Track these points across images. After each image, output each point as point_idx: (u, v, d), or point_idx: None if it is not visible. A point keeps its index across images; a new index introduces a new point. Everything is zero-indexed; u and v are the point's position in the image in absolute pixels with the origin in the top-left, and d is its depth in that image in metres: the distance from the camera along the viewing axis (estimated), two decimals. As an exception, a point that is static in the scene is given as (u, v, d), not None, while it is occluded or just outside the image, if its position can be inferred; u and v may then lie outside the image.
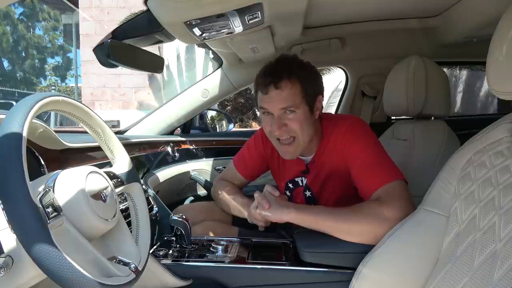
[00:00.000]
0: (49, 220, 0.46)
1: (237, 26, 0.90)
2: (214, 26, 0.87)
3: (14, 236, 0.46)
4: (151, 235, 0.74)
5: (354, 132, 0.90)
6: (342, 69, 1.78)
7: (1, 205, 0.46)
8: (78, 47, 8.10)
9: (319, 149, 0.97)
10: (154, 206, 1.01)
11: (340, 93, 1.85)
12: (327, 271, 0.79)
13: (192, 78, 6.32)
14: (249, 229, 1.14)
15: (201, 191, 1.65)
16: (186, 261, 0.84)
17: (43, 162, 0.75)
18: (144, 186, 0.91)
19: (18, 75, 17.96)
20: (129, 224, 0.75)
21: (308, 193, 1.02)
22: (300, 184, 1.05)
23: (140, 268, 0.63)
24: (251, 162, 1.14)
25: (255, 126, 7.43)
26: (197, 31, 0.87)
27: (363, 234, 0.75)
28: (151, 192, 1.06)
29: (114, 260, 0.63)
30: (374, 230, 0.74)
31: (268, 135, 0.95)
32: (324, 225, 0.78)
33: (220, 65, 1.60)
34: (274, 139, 0.94)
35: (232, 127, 2.09)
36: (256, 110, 7.81)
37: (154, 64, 1.04)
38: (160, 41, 0.94)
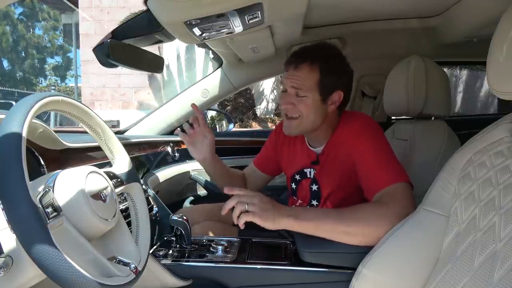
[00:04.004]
0: (49, 220, 0.46)
1: (237, 26, 0.90)
2: (214, 26, 0.87)
3: (14, 236, 0.46)
4: (151, 235, 0.74)
5: (365, 131, 0.91)
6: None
7: (1, 205, 0.46)
8: (78, 47, 8.10)
9: (330, 141, 0.98)
10: (154, 206, 1.01)
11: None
12: (327, 271, 0.79)
13: (192, 78, 6.33)
14: (249, 229, 1.14)
15: (201, 191, 1.65)
16: (186, 261, 0.84)
17: (43, 162, 0.75)
18: (144, 186, 0.91)
19: (18, 75, 17.97)
20: (129, 224, 0.75)
21: (314, 187, 1.02)
22: (308, 175, 1.04)
23: (140, 268, 0.63)
24: (267, 155, 1.20)
25: (255, 126, 7.43)
26: (197, 31, 0.87)
27: (364, 237, 0.75)
28: (151, 192, 1.06)
29: (114, 260, 0.63)
30: (374, 232, 0.74)
31: (281, 110, 1.00)
32: (325, 231, 0.76)
33: (220, 65, 1.60)
34: (283, 114, 0.98)
35: (232, 127, 2.09)
36: (256, 110, 7.81)
37: (154, 64, 1.04)
38: (160, 41, 0.94)
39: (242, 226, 0.74)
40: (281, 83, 0.98)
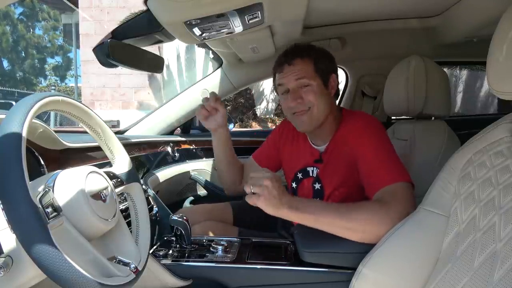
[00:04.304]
0: (49, 220, 0.46)
1: (237, 26, 0.90)
2: (214, 26, 0.87)
3: (14, 236, 0.46)
4: (151, 235, 0.75)
5: (368, 130, 0.92)
6: (342, 69, 1.78)
7: (1, 205, 0.46)
8: (78, 47, 8.10)
9: (333, 139, 0.99)
10: (154, 206, 1.01)
11: (340, 93, 1.85)
12: (327, 271, 0.79)
13: (192, 78, 6.32)
14: (249, 229, 1.14)
15: (201, 191, 1.65)
16: (186, 261, 0.84)
17: (43, 162, 0.75)
18: (144, 186, 0.91)
19: (18, 75, 17.96)
20: (129, 224, 0.75)
21: (317, 186, 1.02)
22: (311, 174, 1.04)
23: (140, 268, 0.63)
24: (266, 150, 1.21)
25: (255, 126, 7.43)
26: (197, 31, 0.87)
27: (363, 233, 0.75)
28: (151, 192, 1.06)
29: (114, 260, 0.63)
30: (374, 229, 0.74)
31: (286, 113, 1.02)
32: (325, 223, 0.76)
33: (220, 65, 1.60)
34: (291, 115, 1.00)
35: (232, 127, 2.09)
36: (256, 110, 7.81)
37: (154, 64, 1.04)
38: (160, 41, 0.94)
39: (251, 203, 0.76)
40: (279, 85, 0.99)
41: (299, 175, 1.07)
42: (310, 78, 0.95)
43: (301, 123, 0.98)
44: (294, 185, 1.09)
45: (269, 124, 7.51)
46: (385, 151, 0.88)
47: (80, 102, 0.63)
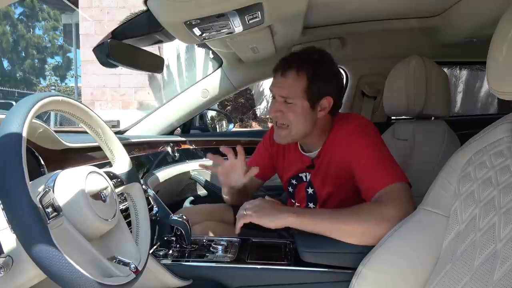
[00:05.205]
0: (49, 220, 0.46)
1: (237, 26, 0.90)
2: (214, 26, 0.87)
3: (14, 236, 0.46)
4: (151, 235, 0.75)
5: (361, 132, 0.91)
6: (342, 69, 1.78)
7: (1, 205, 0.46)
8: (78, 47, 8.10)
9: (325, 144, 0.97)
10: (154, 206, 1.01)
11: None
12: (327, 271, 0.79)
13: (192, 78, 6.33)
14: (249, 229, 1.14)
15: (201, 191, 1.65)
16: (186, 261, 0.84)
17: (43, 162, 0.75)
18: (144, 186, 0.91)
19: (18, 75, 17.96)
20: (129, 224, 0.75)
21: (310, 190, 1.02)
22: (304, 179, 1.04)
23: (140, 268, 0.63)
24: (261, 161, 1.17)
25: (255, 126, 7.43)
26: (197, 31, 0.87)
27: (363, 236, 0.75)
28: (151, 192, 1.06)
29: (114, 260, 0.63)
30: (374, 231, 0.74)
31: (271, 117, 1.00)
32: (324, 227, 0.77)
33: (220, 65, 1.60)
34: (274, 123, 0.98)
35: (232, 127, 2.09)
36: (256, 110, 7.82)
37: (154, 64, 1.04)
38: (160, 41, 0.94)
39: (237, 230, 0.81)
40: (270, 90, 0.97)
41: (293, 181, 1.07)
42: (296, 97, 0.90)
43: (278, 136, 0.97)
44: (290, 189, 1.10)
45: (269, 124, 7.52)
46: (380, 152, 0.88)
47: (80, 102, 0.63)
